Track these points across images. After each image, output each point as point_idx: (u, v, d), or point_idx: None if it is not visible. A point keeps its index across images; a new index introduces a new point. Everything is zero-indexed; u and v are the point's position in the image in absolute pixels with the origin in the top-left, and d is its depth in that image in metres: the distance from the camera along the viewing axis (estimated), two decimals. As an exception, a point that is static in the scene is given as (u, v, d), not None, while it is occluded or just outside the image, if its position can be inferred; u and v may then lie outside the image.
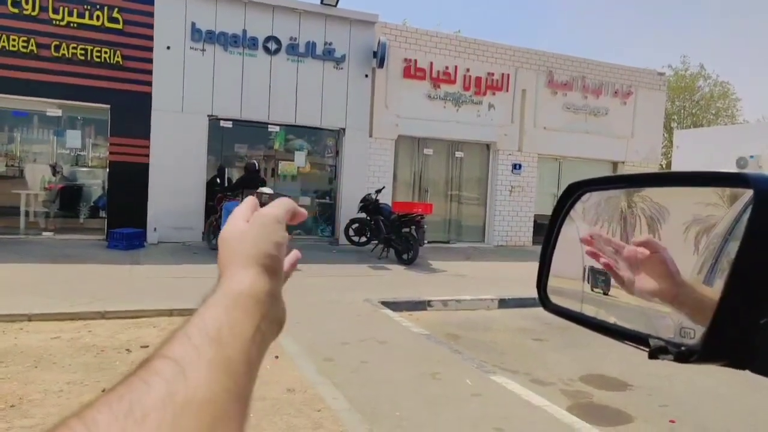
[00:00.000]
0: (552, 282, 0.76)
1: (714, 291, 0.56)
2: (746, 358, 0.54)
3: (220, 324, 0.41)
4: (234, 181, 11.10)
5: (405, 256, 10.10)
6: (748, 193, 0.56)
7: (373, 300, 6.96)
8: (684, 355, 0.56)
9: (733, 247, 0.55)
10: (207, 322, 0.41)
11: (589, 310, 0.70)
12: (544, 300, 0.76)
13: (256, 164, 10.37)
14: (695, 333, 0.58)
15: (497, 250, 13.13)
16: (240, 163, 12.26)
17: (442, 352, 5.20)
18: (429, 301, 7.28)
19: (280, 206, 0.56)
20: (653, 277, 0.62)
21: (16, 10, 9.94)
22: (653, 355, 0.59)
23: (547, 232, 0.77)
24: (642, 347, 0.61)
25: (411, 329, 5.91)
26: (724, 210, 0.60)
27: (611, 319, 0.67)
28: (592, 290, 0.71)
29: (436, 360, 4.90)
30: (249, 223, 0.53)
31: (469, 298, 7.55)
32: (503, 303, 7.47)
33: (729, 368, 0.56)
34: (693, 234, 0.60)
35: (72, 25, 10.27)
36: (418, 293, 7.55)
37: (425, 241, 10.32)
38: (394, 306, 6.91)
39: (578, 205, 0.74)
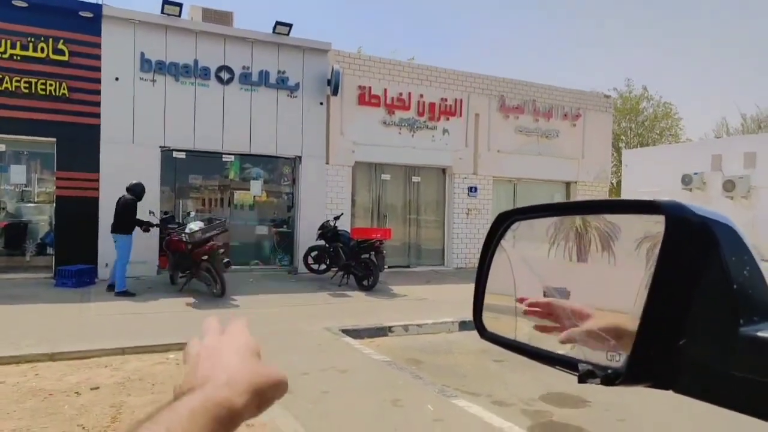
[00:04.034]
0: (487, 311, 0.77)
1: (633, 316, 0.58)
2: (668, 378, 0.55)
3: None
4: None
5: (365, 283, 10.06)
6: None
7: (333, 328, 6.89)
8: (610, 378, 0.58)
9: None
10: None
11: (523, 337, 0.71)
12: (480, 329, 0.76)
13: (137, 187, 9.22)
14: (621, 357, 0.59)
15: (457, 272, 13.23)
16: (195, 194, 12.06)
17: (403, 378, 5.17)
18: (390, 327, 7.25)
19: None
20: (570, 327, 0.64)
21: (-45, 44, 9.64)
22: (582, 379, 0.60)
23: (480, 261, 0.78)
24: (572, 372, 0.62)
25: (372, 356, 5.86)
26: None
27: (543, 345, 0.68)
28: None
29: (397, 386, 4.86)
30: (245, 350, 0.56)
31: (430, 322, 7.56)
32: (464, 326, 7.49)
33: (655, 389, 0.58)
34: (644, 249, 0.62)
35: (15, 57, 9.99)
36: (379, 319, 7.51)
37: (385, 267, 10.32)
38: (355, 333, 6.86)
39: (508, 234, 0.76)
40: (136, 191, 9.19)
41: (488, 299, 0.76)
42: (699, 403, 0.54)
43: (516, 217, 0.76)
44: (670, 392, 0.56)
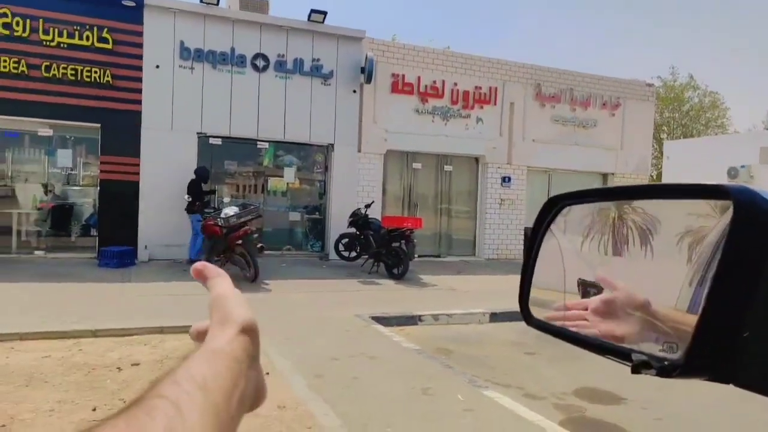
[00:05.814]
0: (534, 296, 0.75)
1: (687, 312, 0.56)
2: (729, 372, 0.53)
3: (205, 374, 0.43)
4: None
5: (395, 271, 10.07)
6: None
7: (363, 315, 6.92)
8: (666, 369, 0.56)
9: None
10: (193, 371, 0.43)
11: (572, 324, 0.69)
12: (526, 315, 0.75)
13: (198, 170, 10.63)
14: (678, 347, 0.57)
15: (488, 263, 13.13)
16: (230, 180, 12.24)
17: (433, 367, 5.17)
18: (420, 316, 7.24)
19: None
20: (623, 317, 0.62)
21: (6, 32, 9.96)
22: (636, 369, 0.58)
23: (528, 245, 0.76)
24: (625, 362, 0.60)
25: (402, 344, 5.87)
26: (715, 220, 0.59)
27: (594, 333, 0.66)
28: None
29: (427, 375, 4.86)
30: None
31: (460, 312, 7.52)
32: (495, 317, 7.45)
33: (713, 383, 0.56)
34: (686, 244, 0.60)
35: (62, 45, 10.28)
36: (408, 308, 7.52)
37: (415, 255, 10.30)
38: (385, 321, 6.87)
39: (559, 219, 0.74)
40: (198, 173, 10.43)
41: (536, 285, 0.74)
42: (739, 402, 0.52)
43: (566, 201, 0.73)
44: (710, 391, 0.54)
